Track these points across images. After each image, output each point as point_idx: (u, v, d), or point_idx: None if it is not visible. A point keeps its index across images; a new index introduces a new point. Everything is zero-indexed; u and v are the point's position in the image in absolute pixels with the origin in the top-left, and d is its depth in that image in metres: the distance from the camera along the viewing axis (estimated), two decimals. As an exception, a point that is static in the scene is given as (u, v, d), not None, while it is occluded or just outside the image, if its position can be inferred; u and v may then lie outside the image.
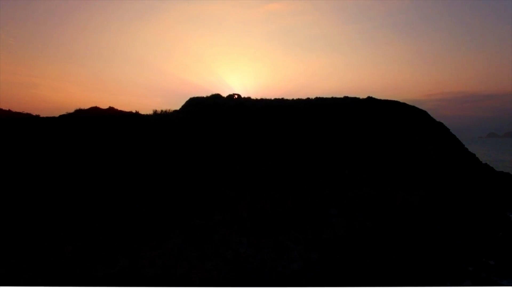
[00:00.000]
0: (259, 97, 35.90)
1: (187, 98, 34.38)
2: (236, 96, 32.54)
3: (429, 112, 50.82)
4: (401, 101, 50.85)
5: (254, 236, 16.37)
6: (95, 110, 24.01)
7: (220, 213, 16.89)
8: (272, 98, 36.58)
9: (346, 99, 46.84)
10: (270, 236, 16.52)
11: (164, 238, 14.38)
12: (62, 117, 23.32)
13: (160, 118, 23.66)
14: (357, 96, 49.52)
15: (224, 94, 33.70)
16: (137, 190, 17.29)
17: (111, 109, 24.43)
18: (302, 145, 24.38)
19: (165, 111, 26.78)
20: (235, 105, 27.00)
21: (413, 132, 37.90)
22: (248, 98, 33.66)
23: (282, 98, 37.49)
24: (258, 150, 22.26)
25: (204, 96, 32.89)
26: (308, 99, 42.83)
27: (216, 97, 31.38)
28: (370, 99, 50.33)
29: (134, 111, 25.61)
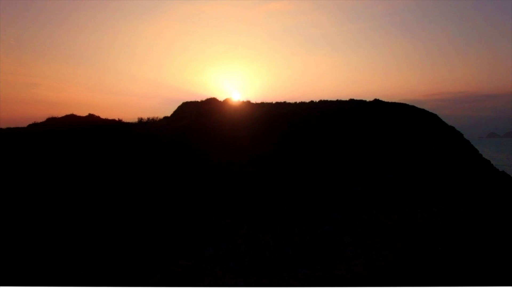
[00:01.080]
0: (259, 101, 33.09)
1: (186, 98, 31.68)
2: (234, 100, 29.63)
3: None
4: (402, 101, 48.17)
5: (254, 275, 13.46)
6: (70, 119, 21.12)
7: (212, 247, 13.97)
8: (273, 101, 33.61)
9: (352, 102, 44.04)
10: (273, 275, 13.62)
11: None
12: (30, 126, 20.45)
13: (146, 130, 20.78)
14: (364, 99, 46.85)
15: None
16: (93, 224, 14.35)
17: (90, 117, 21.54)
18: (305, 159, 21.42)
19: (152, 119, 23.88)
20: (231, 114, 24.12)
21: (426, 139, 35.02)
22: (247, 102, 30.74)
23: (284, 102, 34.54)
24: (256, 166, 19.36)
25: (199, 100, 29.97)
26: (311, 102, 39.93)
27: (211, 101, 28.37)
28: (377, 102, 47.58)
29: (117, 119, 22.74)
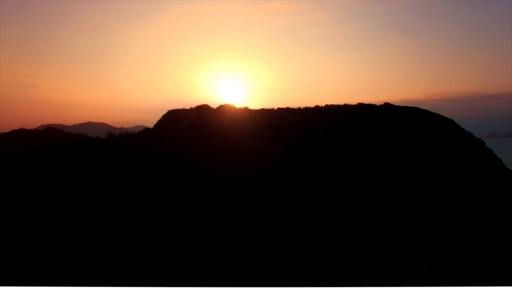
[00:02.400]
0: (259, 104, 29.33)
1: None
2: (230, 106, 25.54)
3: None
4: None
5: None
6: (19, 135, 17.32)
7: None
8: (275, 107, 29.66)
9: (361, 106, 40.03)
10: None
11: None
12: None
13: (112, 151, 16.83)
14: (372, 103, 42.86)
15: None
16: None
17: (48, 132, 17.75)
18: (317, 185, 17.50)
19: (126, 133, 19.97)
20: (226, 126, 20.15)
21: (446, 151, 31.08)
22: (246, 109, 26.80)
23: (287, 108, 30.61)
24: (245, 198, 15.46)
25: (188, 107, 25.96)
26: (317, 107, 36.01)
27: (203, 110, 24.26)
28: (387, 107, 43.58)
29: (83, 133, 18.88)
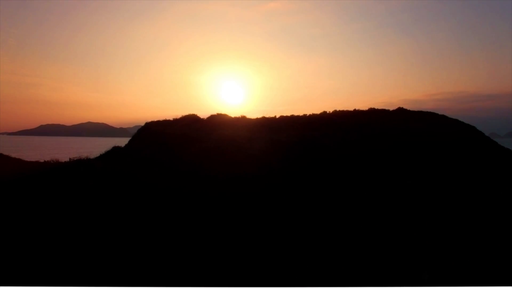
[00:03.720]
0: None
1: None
2: (223, 116, 21.13)
3: None
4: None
5: None
6: None
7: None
8: (277, 115, 25.42)
9: (373, 112, 35.91)
10: None
11: None
12: None
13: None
14: (385, 108, 38.64)
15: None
16: None
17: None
18: (330, 225, 13.29)
19: (85, 158, 15.53)
20: (216, 145, 15.73)
21: (476, 162, 26.84)
22: (243, 119, 22.55)
23: (292, 115, 26.40)
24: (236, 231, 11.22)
25: (171, 119, 21.43)
26: (324, 113, 31.82)
27: (188, 122, 19.73)
28: (401, 112, 39.46)
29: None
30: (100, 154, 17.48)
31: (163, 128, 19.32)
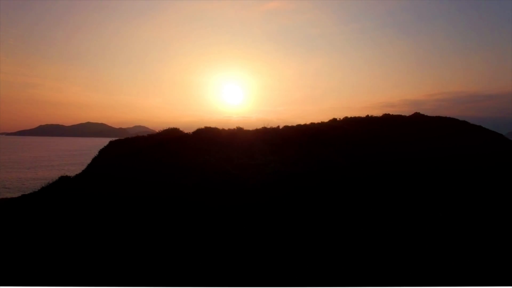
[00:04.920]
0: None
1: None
2: (213, 131, 16.84)
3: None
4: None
5: None
6: None
7: None
8: (280, 126, 21.29)
9: (387, 118, 31.89)
10: None
11: None
12: None
13: None
14: (400, 113, 34.50)
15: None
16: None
17: None
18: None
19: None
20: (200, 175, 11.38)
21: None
22: (239, 131, 18.41)
23: (298, 125, 22.31)
24: None
25: (145, 134, 17.03)
26: (334, 121, 27.75)
27: (166, 139, 15.13)
28: (418, 117, 35.43)
29: None
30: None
31: (129, 150, 14.60)
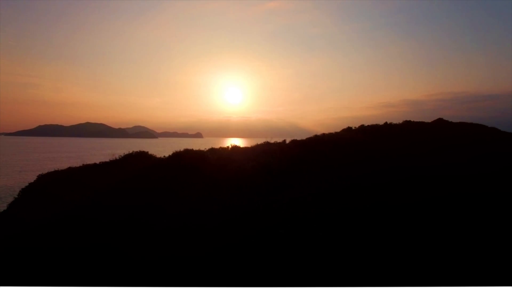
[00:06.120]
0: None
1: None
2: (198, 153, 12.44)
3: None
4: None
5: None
6: None
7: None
8: (287, 140, 17.10)
9: (409, 124, 27.68)
10: None
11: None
12: None
13: None
14: (423, 120, 30.17)
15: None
16: None
17: None
18: None
19: None
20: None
21: None
22: (234, 149, 14.20)
23: (308, 139, 18.15)
24: None
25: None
26: (349, 129, 23.54)
27: (126, 176, 10.79)
28: (442, 123, 31.22)
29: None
30: None
31: (60, 192, 9.85)
